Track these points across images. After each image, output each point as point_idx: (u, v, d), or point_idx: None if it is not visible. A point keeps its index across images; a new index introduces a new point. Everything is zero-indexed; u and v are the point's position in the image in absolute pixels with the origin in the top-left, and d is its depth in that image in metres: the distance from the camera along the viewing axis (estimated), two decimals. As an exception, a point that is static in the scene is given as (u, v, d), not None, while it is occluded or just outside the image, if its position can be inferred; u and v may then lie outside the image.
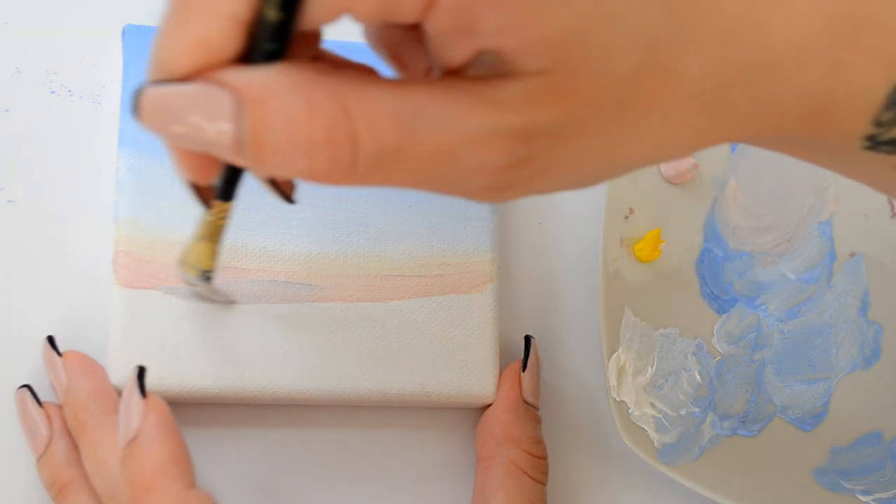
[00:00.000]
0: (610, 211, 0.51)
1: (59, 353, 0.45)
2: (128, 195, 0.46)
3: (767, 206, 0.53)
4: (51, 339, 0.46)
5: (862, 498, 0.52)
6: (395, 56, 0.35)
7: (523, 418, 0.48)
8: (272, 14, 0.29)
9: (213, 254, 0.41)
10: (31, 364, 0.46)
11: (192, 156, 0.34)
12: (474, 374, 0.48)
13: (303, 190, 0.48)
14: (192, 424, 0.46)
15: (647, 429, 0.50)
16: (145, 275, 0.45)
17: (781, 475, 0.51)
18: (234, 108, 0.29)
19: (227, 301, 0.46)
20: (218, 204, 0.38)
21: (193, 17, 0.30)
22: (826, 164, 0.36)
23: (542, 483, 0.48)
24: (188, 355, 0.45)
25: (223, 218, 0.40)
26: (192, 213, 0.46)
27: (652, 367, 0.50)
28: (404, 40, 0.35)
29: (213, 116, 0.30)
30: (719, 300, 0.52)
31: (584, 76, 0.29)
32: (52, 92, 0.49)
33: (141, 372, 0.41)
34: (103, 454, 0.42)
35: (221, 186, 0.37)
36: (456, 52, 0.30)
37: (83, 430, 0.43)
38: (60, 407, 0.45)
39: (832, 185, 0.54)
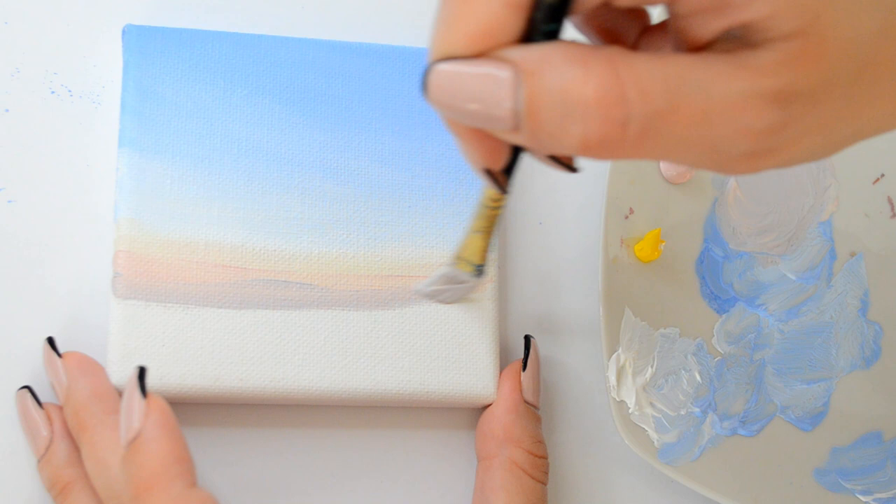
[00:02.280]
0: (610, 211, 0.51)
1: (59, 354, 0.45)
2: (128, 195, 0.46)
3: (767, 206, 0.53)
4: (51, 340, 0.46)
5: (862, 498, 0.52)
6: (606, 36, 0.37)
7: (524, 418, 0.48)
8: None
9: (486, 247, 0.43)
10: (31, 365, 0.46)
11: (481, 140, 0.35)
12: (474, 373, 0.48)
13: (303, 190, 0.48)
14: (192, 424, 0.46)
15: (647, 429, 0.50)
16: (145, 274, 0.45)
17: (781, 475, 0.51)
18: (512, 80, 0.31)
19: (454, 301, 0.47)
20: (494, 194, 0.40)
21: (474, 4, 0.32)
22: None
23: (543, 483, 0.48)
24: (188, 355, 0.45)
25: (499, 208, 0.41)
26: (191, 213, 0.47)
27: (652, 367, 0.50)
28: (618, 20, 0.37)
29: (494, 91, 0.31)
30: (719, 300, 0.52)
31: (832, 38, 0.31)
32: (52, 92, 0.49)
33: (142, 372, 0.41)
34: (104, 454, 0.42)
35: (508, 170, 0.37)
36: (706, 29, 0.32)
37: (84, 431, 0.43)
38: (61, 408, 0.45)
39: (832, 185, 0.54)
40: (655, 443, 0.50)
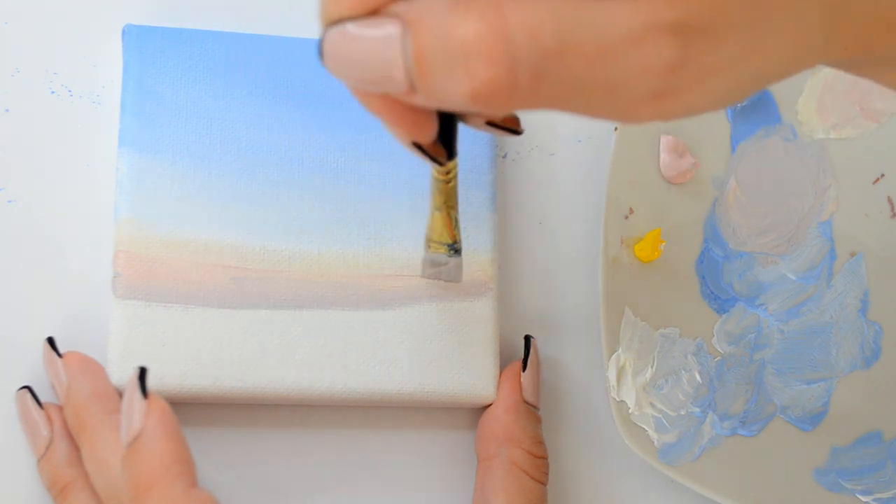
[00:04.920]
0: (610, 211, 0.51)
1: (59, 354, 0.45)
2: (128, 195, 0.46)
3: (767, 206, 0.53)
4: (51, 340, 0.46)
5: (862, 498, 0.52)
6: None
7: (524, 418, 0.48)
8: None
9: (452, 222, 0.41)
10: (31, 365, 0.46)
11: (399, 110, 0.33)
12: (474, 374, 0.48)
13: (303, 190, 0.48)
14: (192, 424, 0.46)
15: (647, 429, 0.50)
16: (145, 274, 0.45)
17: (781, 475, 0.51)
18: (401, 34, 0.30)
19: (455, 279, 0.46)
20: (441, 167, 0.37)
21: None
22: None
23: (543, 483, 0.48)
24: (188, 355, 0.45)
25: (450, 181, 0.39)
26: (191, 213, 0.47)
27: (652, 367, 0.50)
28: None
29: (385, 49, 0.30)
30: (719, 300, 0.52)
31: None
32: (52, 92, 0.49)
33: (142, 372, 0.41)
34: (104, 454, 0.42)
35: (440, 141, 0.36)
36: None
37: (84, 431, 0.43)
38: (61, 407, 0.45)
39: (832, 185, 0.54)
40: (655, 443, 0.50)
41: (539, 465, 0.48)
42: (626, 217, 0.51)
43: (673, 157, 0.52)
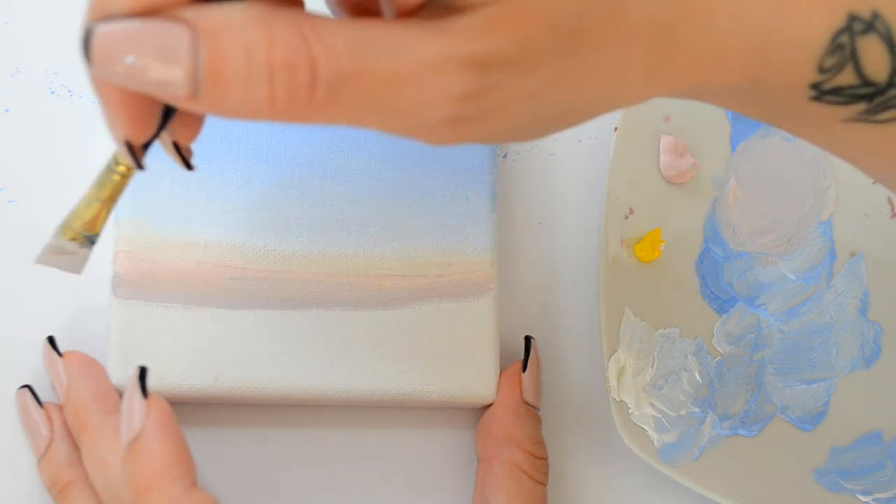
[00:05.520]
0: (610, 211, 0.51)
1: (59, 354, 0.45)
2: (128, 195, 0.46)
3: (767, 206, 0.53)
4: (51, 340, 0.46)
5: (862, 498, 0.52)
6: (354, 12, 0.36)
7: (524, 418, 0.48)
8: None
9: (106, 217, 0.40)
10: (31, 365, 0.46)
11: (132, 110, 0.33)
12: (474, 374, 0.48)
13: (303, 190, 0.48)
14: (192, 424, 0.46)
15: (647, 429, 0.50)
16: (145, 274, 0.45)
17: (781, 475, 0.51)
18: (190, 41, 0.30)
19: (76, 271, 0.42)
20: (128, 162, 0.37)
21: None
22: (777, 122, 0.37)
23: (543, 483, 0.48)
24: (188, 355, 0.45)
25: (128, 177, 0.39)
26: (191, 213, 0.47)
27: (652, 367, 0.50)
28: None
29: (167, 52, 0.30)
30: (719, 300, 0.52)
31: (533, 6, 0.30)
32: (52, 92, 0.49)
33: (142, 372, 0.41)
34: (104, 454, 0.42)
35: (148, 144, 0.36)
36: None
37: (84, 430, 0.43)
38: (61, 407, 0.45)
39: (832, 185, 0.54)
40: (655, 443, 0.50)
41: (539, 466, 0.48)
42: (626, 217, 0.51)
43: (673, 157, 0.52)
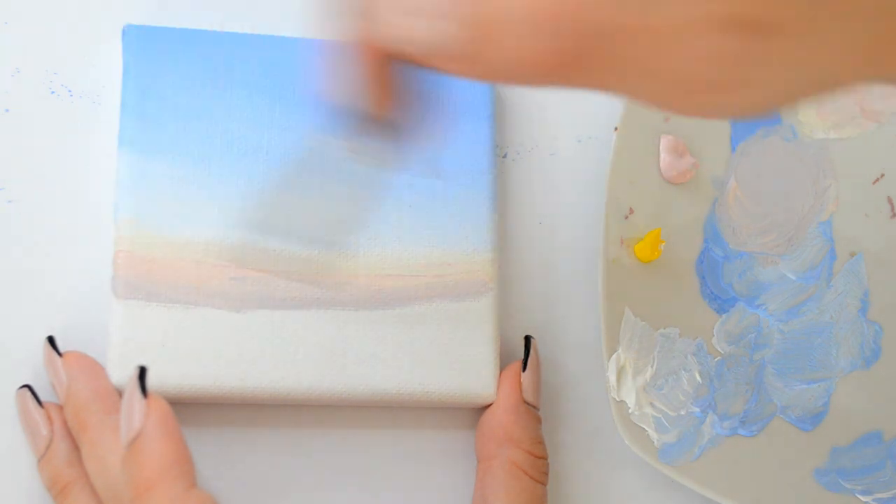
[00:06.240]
0: (610, 211, 0.51)
1: (59, 354, 0.45)
2: (128, 195, 0.46)
3: (767, 206, 0.53)
4: (51, 340, 0.46)
5: (862, 498, 0.52)
6: None
7: (524, 418, 0.48)
8: None
9: None
10: (31, 365, 0.46)
11: (385, 85, 0.34)
12: (474, 374, 0.48)
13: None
14: (192, 424, 0.46)
15: (647, 429, 0.50)
16: (145, 275, 0.45)
17: (781, 475, 0.51)
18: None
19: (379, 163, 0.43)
20: None
21: None
22: None
23: (543, 483, 0.48)
24: (188, 355, 0.45)
25: None
26: (192, 213, 0.47)
27: (652, 367, 0.50)
28: None
29: (447, 5, 0.31)
30: (719, 300, 0.52)
31: None
32: (52, 92, 0.49)
33: (142, 372, 0.41)
34: (104, 454, 0.42)
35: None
36: None
37: (84, 430, 0.43)
38: (61, 407, 0.45)
39: (832, 184, 0.54)
40: (655, 443, 0.50)
41: (539, 466, 0.48)
42: (626, 217, 0.51)
43: (673, 157, 0.52)
